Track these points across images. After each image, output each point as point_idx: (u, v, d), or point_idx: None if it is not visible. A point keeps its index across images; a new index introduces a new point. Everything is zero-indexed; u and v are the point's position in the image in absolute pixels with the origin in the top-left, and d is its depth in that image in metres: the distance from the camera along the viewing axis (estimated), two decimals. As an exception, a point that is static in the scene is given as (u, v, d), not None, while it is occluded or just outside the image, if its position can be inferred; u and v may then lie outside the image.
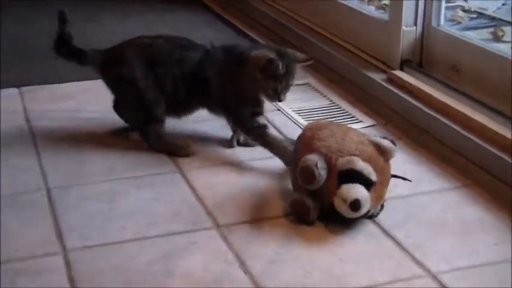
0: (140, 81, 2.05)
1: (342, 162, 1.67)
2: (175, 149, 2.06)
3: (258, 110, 2.04)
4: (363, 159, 1.67)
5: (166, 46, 2.08)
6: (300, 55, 2.06)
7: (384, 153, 1.71)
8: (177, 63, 2.05)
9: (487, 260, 1.59)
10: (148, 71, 2.05)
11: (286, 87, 2.00)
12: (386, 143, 1.72)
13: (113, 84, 2.11)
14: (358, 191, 1.64)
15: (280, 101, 2.02)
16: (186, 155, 2.05)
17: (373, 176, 1.67)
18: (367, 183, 1.66)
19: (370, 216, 1.72)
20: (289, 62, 1.99)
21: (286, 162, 1.93)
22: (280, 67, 1.95)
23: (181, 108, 2.11)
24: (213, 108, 2.12)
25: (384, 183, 1.71)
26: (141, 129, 2.11)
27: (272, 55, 1.96)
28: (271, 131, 2.07)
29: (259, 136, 2.01)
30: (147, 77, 2.05)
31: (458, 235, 1.68)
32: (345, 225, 1.71)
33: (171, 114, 2.11)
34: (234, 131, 2.11)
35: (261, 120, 2.03)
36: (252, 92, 2.01)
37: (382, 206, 1.74)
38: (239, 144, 2.10)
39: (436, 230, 1.70)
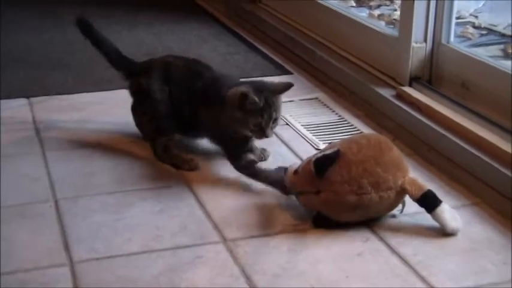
0: (156, 93, 2.10)
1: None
2: (181, 163, 2.08)
3: (246, 147, 2.01)
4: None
5: (182, 68, 2.13)
6: (279, 84, 1.99)
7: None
8: (187, 89, 2.09)
9: (494, 280, 1.58)
10: (165, 86, 2.10)
11: (270, 121, 1.95)
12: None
13: (133, 92, 2.18)
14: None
15: (266, 136, 1.96)
16: (191, 169, 2.06)
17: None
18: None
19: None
20: (269, 94, 1.94)
21: (281, 191, 1.89)
22: (257, 100, 1.91)
23: (190, 129, 2.14)
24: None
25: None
26: (151, 140, 2.13)
27: (245, 90, 1.92)
28: (279, 149, 2.08)
29: (248, 174, 1.98)
30: (163, 91, 2.10)
31: (466, 253, 1.67)
32: (352, 242, 1.71)
33: (182, 132, 2.15)
34: None
35: (249, 157, 2.01)
36: (236, 131, 1.98)
37: (403, 203, 1.78)
38: None
39: (443, 248, 1.69)
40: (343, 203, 1.73)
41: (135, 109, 2.18)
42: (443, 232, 1.73)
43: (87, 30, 2.22)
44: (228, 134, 2.01)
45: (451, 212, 1.74)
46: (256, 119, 1.93)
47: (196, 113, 2.08)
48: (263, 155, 2.12)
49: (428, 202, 1.74)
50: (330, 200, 1.74)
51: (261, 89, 1.95)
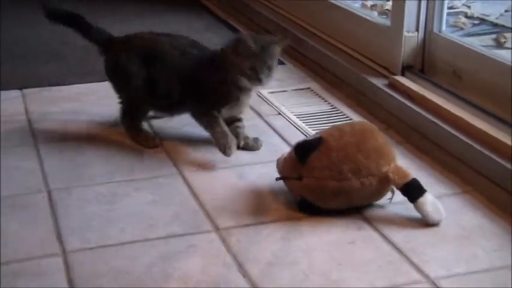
0: (134, 76, 2.10)
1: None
2: (143, 140, 2.14)
3: (219, 109, 2.06)
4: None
5: (169, 45, 2.12)
6: (277, 39, 2.06)
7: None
8: (177, 65, 2.09)
9: (486, 266, 1.59)
10: (144, 67, 2.10)
11: (266, 67, 1.98)
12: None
13: (109, 68, 2.18)
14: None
15: (260, 82, 1.99)
16: (152, 146, 2.12)
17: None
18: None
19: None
20: (266, 42, 2.00)
21: (221, 150, 2.02)
22: (252, 45, 1.96)
23: (174, 107, 2.16)
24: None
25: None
26: (123, 113, 2.18)
27: (242, 35, 2.03)
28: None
29: (208, 124, 2.06)
30: (141, 74, 2.10)
31: (458, 241, 1.68)
32: (345, 230, 1.71)
33: (164, 111, 2.19)
34: (236, 136, 2.10)
35: (216, 113, 2.06)
36: (230, 78, 2.02)
37: (393, 192, 1.78)
38: (238, 148, 2.10)
39: (435, 235, 1.70)
40: (323, 189, 1.73)
41: (115, 85, 2.19)
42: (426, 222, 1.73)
43: (54, 16, 2.23)
44: (215, 93, 2.04)
45: (433, 202, 1.74)
46: (252, 63, 1.97)
47: (188, 88, 2.08)
48: (256, 144, 2.12)
49: (412, 192, 1.74)
50: (311, 186, 1.75)
51: (258, 38, 2.03)
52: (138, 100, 2.14)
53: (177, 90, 2.09)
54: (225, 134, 2.03)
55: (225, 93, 2.05)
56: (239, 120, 2.13)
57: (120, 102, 2.19)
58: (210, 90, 2.05)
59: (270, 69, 2.00)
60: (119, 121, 2.19)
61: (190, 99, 2.09)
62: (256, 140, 2.13)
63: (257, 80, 1.99)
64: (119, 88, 2.18)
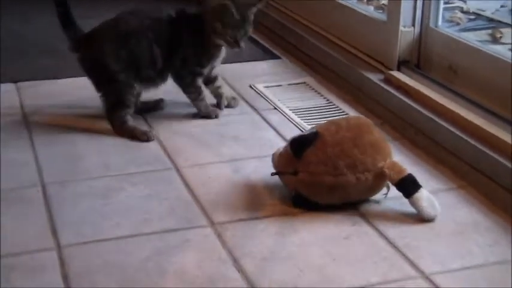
0: (113, 64, 2.13)
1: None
2: (138, 134, 2.14)
3: (201, 71, 2.23)
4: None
5: (135, 17, 2.19)
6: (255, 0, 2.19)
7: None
8: (149, 28, 2.16)
9: (481, 262, 1.59)
10: (121, 48, 2.13)
11: (245, 34, 2.18)
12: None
13: (85, 66, 2.20)
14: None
15: (239, 47, 2.18)
16: (147, 139, 2.13)
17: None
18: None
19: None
20: (244, 8, 2.16)
21: (202, 115, 2.25)
22: (236, 15, 2.12)
23: (159, 75, 2.20)
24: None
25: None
26: (108, 113, 2.18)
27: (227, 2, 2.12)
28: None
29: (188, 92, 2.25)
30: (120, 59, 2.13)
31: (452, 236, 1.68)
32: (339, 225, 1.71)
33: (149, 85, 2.22)
34: (219, 96, 2.32)
35: (199, 82, 2.24)
36: (212, 41, 2.19)
37: (388, 187, 1.78)
38: (226, 106, 2.33)
39: (430, 231, 1.70)
40: (319, 184, 1.73)
41: (97, 85, 2.20)
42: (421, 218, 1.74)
43: None
44: (196, 52, 2.20)
45: (429, 198, 1.74)
46: (233, 32, 2.15)
47: (168, 48, 2.17)
48: (232, 103, 2.34)
49: (407, 187, 1.74)
50: (306, 181, 1.74)
51: (237, 3, 2.15)
52: (125, 85, 2.14)
53: (159, 56, 2.16)
54: (207, 105, 2.27)
55: (207, 54, 2.22)
56: (216, 79, 2.31)
57: (104, 96, 2.18)
58: (193, 51, 2.19)
59: (247, 34, 2.20)
60: (106, 118, 2.18)
61: (172, 61, 2.18)
62: (233, 99, 2.36)
63: (237, 45, 2.18)
64: (101, 82, 2.18)
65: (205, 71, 2.24)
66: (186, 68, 2.21)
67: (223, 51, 2.26)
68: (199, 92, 2.25)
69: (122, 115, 2.16)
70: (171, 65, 2.20)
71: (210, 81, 2.30)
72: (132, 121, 2.17)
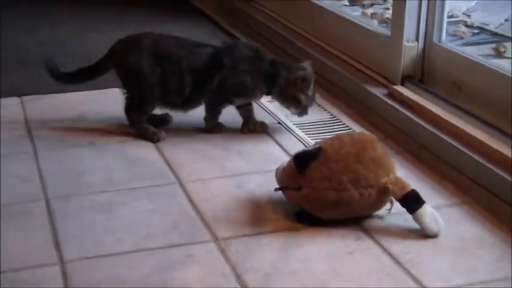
0: (146, 75, 2.19)
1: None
2: (149, 135, 2.22)
3: (234, 101, 2.26)
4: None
5: (176, 43, 2.26)
6: (309, 65, 2.27)
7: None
8: (186, 58, 2.20)
9: (485, 278, 1.58)
10: (156, 65, 2.19)
11: (313, 100, 2.26)
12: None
13: (120, 70, 2.26)
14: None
15: (306, 114, 2.26)
16: (157, 140, 2.21)
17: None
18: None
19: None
20: (310, 78, 2.22)
21: (206, 130, 2.28)
22: (312, 86, 2.22)
23: (187, 102, 2.25)
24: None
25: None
26: (128, 108, 2.24)
27: (306, 74, 2.21)
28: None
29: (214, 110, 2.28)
30: (153, 72, 2.19)
31: (457, 252, 1.68)
32: (343, 240, 1.71)
33: (176, 108, 2.27)
34: (246, 118, 2.30)
35: (230, 103, 2.27)
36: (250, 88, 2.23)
37: (391, 203, 1.78)
38: (249, 131, 2.29)
39: (434, 247, 1.69)
40: (323, 199, 1.73)
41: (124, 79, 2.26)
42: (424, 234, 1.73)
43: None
44: (239, 91, 2.23)
45: (432, 214, 1.73)
46: (307, 98, 2.23)
47: (202, 79, 2.20)
48: (258, 129, 2.30)
49: (410, 203, 1.74)
50: (310, 196, 1.74)
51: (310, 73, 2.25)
52: (150, 96, 2.21)
53: (188, 86, 2.20)
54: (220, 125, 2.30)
55: (249, 93, 2.25)
56: (249, 103, 2.30)
57: (127, 95, 2.24)
58: (233, 87, 2.22)
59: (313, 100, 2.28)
60: (124, 113, 2.24)
61: (203, 93, 2.22)
62: (263, 123, 2.31)
63: (305, 113, 2.27)
64: (129, 82, 2.24)
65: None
66: (219, 100, 2.25)
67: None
68: (220, 112, 2.29)
69: (138, 115, 2.23)
70: (201, 98, 2.25)
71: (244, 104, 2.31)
72: (146, 123, 2.24)
